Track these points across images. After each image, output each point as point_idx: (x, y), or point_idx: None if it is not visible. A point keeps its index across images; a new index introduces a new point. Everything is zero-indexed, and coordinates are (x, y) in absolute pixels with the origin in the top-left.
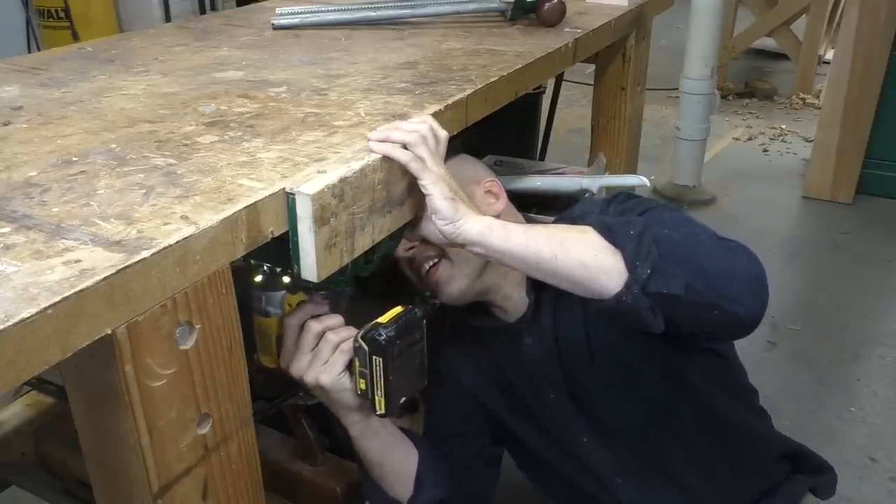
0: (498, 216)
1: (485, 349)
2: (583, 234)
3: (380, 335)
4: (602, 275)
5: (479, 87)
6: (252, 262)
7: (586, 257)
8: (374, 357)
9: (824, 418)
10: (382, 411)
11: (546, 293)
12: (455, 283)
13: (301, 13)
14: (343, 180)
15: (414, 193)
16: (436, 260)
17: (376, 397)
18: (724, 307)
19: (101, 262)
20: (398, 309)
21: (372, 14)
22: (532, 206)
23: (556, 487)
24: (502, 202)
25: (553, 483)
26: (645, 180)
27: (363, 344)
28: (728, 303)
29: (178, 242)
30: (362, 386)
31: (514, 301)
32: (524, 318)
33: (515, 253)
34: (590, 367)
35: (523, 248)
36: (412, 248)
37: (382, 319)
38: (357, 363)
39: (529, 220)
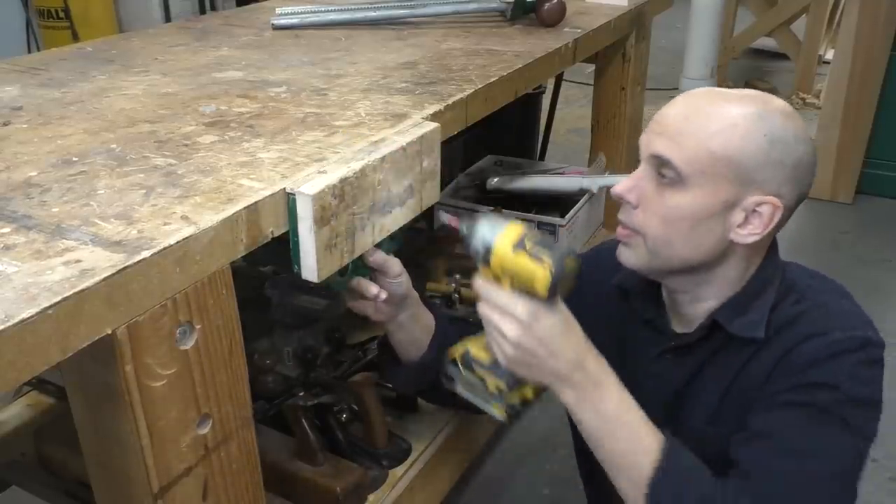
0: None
1: (621, 312)
2: (633, 463)
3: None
4: (627, 499)
5: (479, 87)
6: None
7: (620, 485)
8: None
9: None
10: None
11: (720, 334)
12: (632, 254)
13: (301, 13)
14: (343, 180)
15: (414, 195)
16: (629, 231)
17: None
18: None
19: (102, 262)
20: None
21: (372, 14)
22: (532, 206)
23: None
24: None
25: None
26: None
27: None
28: None
29: (178, 242)
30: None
31: (687, 320)
32: (682, 338)
33: (581, 426)
34: (701, 425)
35: (587, 432)
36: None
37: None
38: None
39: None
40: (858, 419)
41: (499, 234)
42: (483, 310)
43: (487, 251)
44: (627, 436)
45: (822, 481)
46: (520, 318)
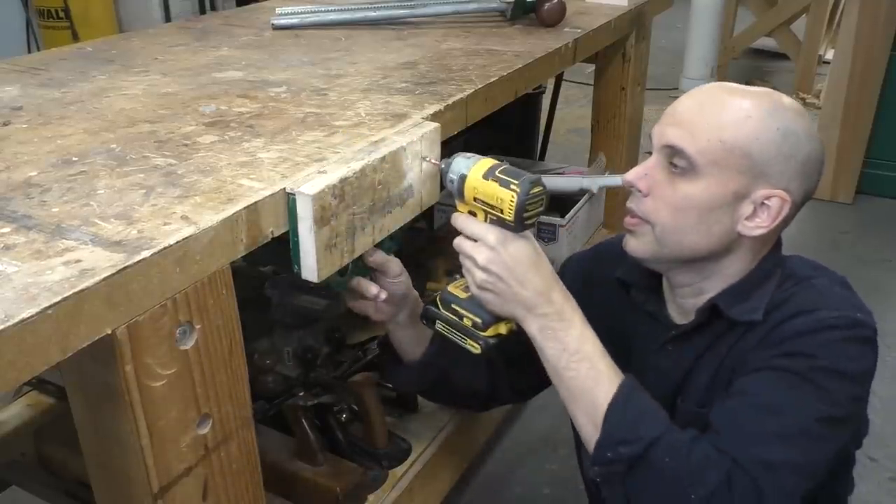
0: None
1: (623, 306)
2: (591, 397)
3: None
4: (583, 437)
5: (479, 87)
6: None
7: (577, 419)
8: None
9: None
10: (478, 350)
11: (720, 321)
12: (639, 243)
13: (301, 13)
14: (343, 180)
15: (414, 195)
16: (638, 218)
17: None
18: None
19: (101, 262)
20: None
21: (372, 14)
22: None
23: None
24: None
25: None
26: None
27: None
28: None
29: (178, 242)
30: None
31: (688, 312)
32: (682, 327)
33: (544, 357)
34: (693, 407)
35: (549, 362)
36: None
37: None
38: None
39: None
40: (838, 394)
41: (472, 166)
42: (458, 241)
43: (462, 180)
44: (587, 369)
45: (784, 438)
46: (490, 243)
